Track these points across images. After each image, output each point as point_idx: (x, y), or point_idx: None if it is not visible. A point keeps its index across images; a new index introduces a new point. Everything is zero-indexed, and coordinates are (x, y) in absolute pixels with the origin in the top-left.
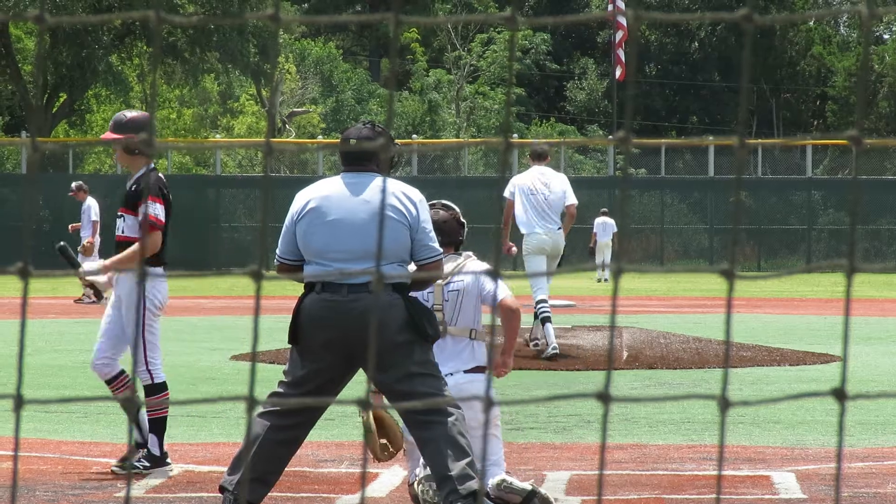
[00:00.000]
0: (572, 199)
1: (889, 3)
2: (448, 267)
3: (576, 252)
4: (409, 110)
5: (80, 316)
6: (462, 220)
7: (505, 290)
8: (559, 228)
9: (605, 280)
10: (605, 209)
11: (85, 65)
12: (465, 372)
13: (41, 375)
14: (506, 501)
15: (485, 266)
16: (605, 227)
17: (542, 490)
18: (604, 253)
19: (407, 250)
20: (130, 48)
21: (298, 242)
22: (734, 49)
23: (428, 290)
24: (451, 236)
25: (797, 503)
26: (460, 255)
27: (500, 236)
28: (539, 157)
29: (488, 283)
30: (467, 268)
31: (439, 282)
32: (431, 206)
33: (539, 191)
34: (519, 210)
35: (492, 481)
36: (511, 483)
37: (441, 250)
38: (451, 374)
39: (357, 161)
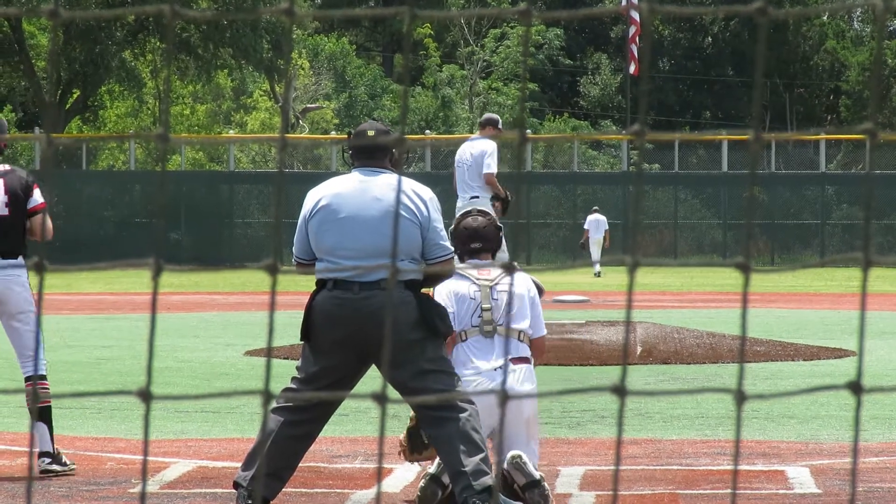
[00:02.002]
0: (486, 168)
1: None
2: (495, 272)
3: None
4: (423, 106)
5: (95, 312)
6: (499, 224)
7: (544, 327)
8: (472, 198)
9: (598, 274)
10: (596, 207)
11: (98, 61)
12: (511, 360)
13: (55, 371)
14: (512, 478)
15: (529, 280)
16: (597, 223)
17: (548, 488)
18: (596, 249)
19: (417, 248)
20: (143, 44)
21: (310, 240)
22: (748, 44)
23: (475, 288)
24: (492, 241)
25: (812, 498)
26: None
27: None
28: (481, 125)
29: (538, 311)
30: (515, 277)
31: (485, 282)
32: (468, 214)
33: (463, 161)
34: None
35: (510, 453)
36: (525, 463)
37: (452, 248)
38: (500, 368)
39: (368, 158)
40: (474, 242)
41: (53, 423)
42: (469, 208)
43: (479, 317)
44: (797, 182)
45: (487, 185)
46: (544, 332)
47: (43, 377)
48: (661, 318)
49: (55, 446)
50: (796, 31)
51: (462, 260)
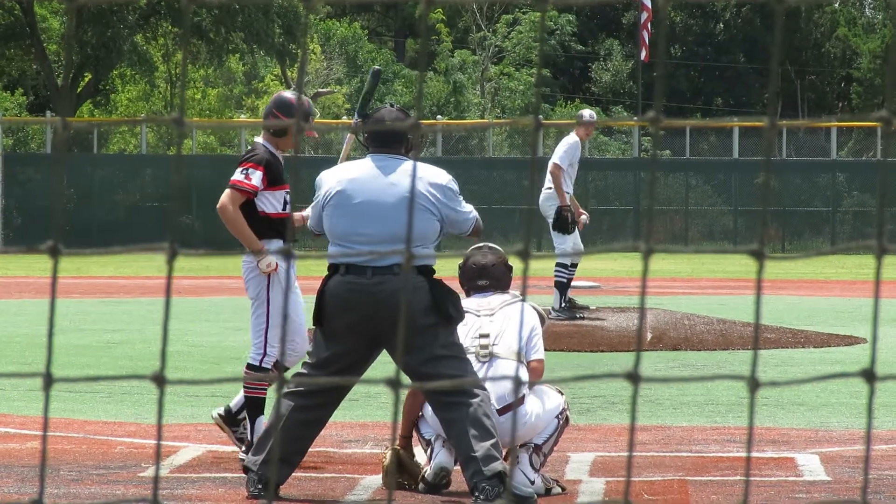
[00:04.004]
0: (553, 158)
1: None
2: (496, 301)
3: (600, 233)
4: (434, 91)
5: (105, 296)
6: (510, 263)
7: (541, 350)
8: (546, 188)
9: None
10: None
11: (110, 45)
12: (497, 411)
13: (65, 355)
14: None
15: (531, 310)
16: None
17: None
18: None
19: (431, 234)
20: (156, 28)
21: (325, 225)
22: (759, 31)
23: (474, 315)
24: (501, 280)
25: (821, 485)
26: (509, 293)
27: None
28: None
29: (534, 334)
30: (515, 307)
31: (484, 314)
32: (477, 250)
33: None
34: None
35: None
36: (515, 486)
37: (475, 212)
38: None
39: (385, 144)
40: (482, 280)
41: (68, 406)
42: (481, 244)
43: (476, 341)
44: (808, 169)
45: (551, 175)
46: (539, 356)
47: (254, 367)
48: (672, 304)
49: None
50: (808, 18)
51: (468, 295)
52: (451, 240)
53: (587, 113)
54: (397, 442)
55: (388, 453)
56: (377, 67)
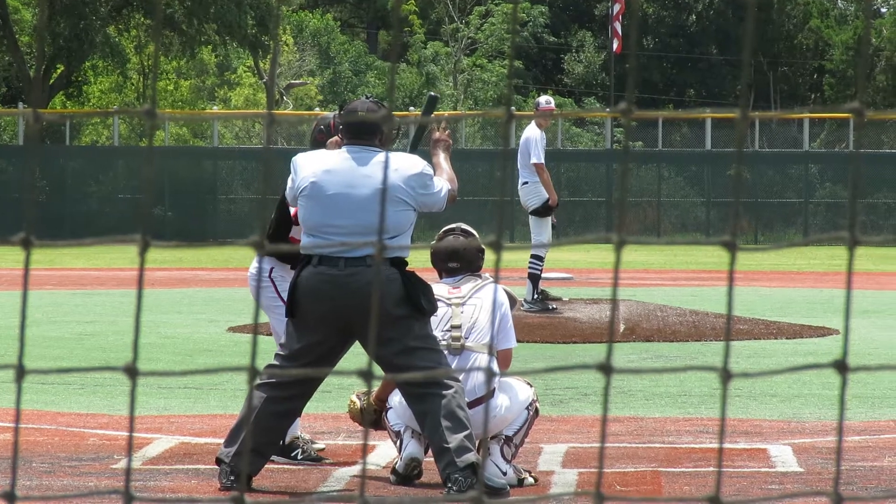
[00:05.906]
0: (532, 159)
1: None
2: (466, 287)
3: (573, 224)
4: (407, 83)
5: (78, 287)
6: (482, 246)
7: (512, 339)
8: (523, 183)
9: None
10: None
11: (83, 36)
12: (468, 404)
13: (38, 347)
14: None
15: (501, 292)
16: None
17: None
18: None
19: (406, 224)
20: (128, 20)
21: (299, 215)
22: (732, 23)
23: (445, 306)
24: (472, 263)
25: (794, 476)
26: (479, 277)
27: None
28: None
29: (505, 320)
30: (486, 290)
31: (454, 303)
32: (450, 232)
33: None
34: None
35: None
36: (488, 477)
37: (446, 185)
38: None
39: (360, 135)
40: (452, 262)
41: (41, 398)
42: (454, 225)
43: (448, 333)
44: (781, 160)
45: (537, 174)
46: (511, 344)
47: None
48: (644, 295)
49: (296, 435)
50: (780, 9)
51: (440, 277)
52: (423, 231)
53: (543, 100)
54: (372, 397)
55: (356, 400)
56: (433, 93)
